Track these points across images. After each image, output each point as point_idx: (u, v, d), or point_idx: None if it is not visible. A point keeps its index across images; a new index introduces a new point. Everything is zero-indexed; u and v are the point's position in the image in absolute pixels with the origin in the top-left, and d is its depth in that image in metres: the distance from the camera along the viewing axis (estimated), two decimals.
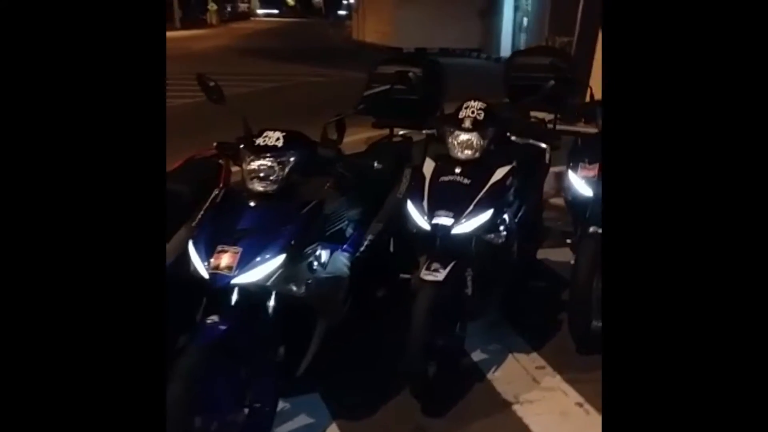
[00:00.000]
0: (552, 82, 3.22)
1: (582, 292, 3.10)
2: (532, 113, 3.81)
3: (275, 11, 53.43)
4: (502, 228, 2.97)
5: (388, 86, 3.02)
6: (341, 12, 40.45)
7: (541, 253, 4.16)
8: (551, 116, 3.89)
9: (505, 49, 18.85)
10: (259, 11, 52.42)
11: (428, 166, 2.92)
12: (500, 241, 2.91)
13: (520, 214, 3.39)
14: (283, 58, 18.57)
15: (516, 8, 19.74)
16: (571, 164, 3.36)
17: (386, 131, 3.70)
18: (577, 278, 3.10)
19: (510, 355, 3.27)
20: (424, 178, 2.88)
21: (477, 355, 3.26)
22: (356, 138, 3.70)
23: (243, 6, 49.11)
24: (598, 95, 4.29)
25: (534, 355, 3.28)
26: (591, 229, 3.19)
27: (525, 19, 19.18)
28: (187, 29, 29.74)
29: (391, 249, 3.26)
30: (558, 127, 3.94)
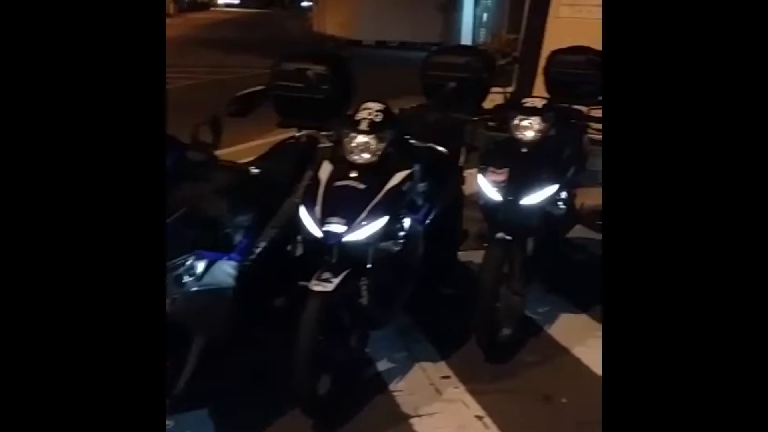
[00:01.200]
0: (452, 84, 3.11)
1: (487, 299, 3.00)
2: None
3: (236, 1, 52.44)
4: (401, 234, 2.84)
5: (262, 87, 2.88)
6: (305, 3, 39.99)
7: (468, 256, 4.06)
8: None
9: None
10: (220, 1, 51.42)
11: (324, 170, 2.79)
12: (398, 248, 2.78)
13: (430, 218, 3.27)
14: (237, 50, 18.18)
15: (476, 3, 19.71)
16: (481, 167, 3.26)
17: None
18: (481, 285, 3.00)
19: (417, 365, 3.15)
20: (318, 182, 2.74)
21: (382, 365, 3.14)
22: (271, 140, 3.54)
23: None
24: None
25: (441, 363, 3.17)
26: (498, 235, 3.09)
27: (485, 15, 19.17)
28: None
29: (297, 254, 3.12)
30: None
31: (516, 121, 3.28)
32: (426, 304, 3.55)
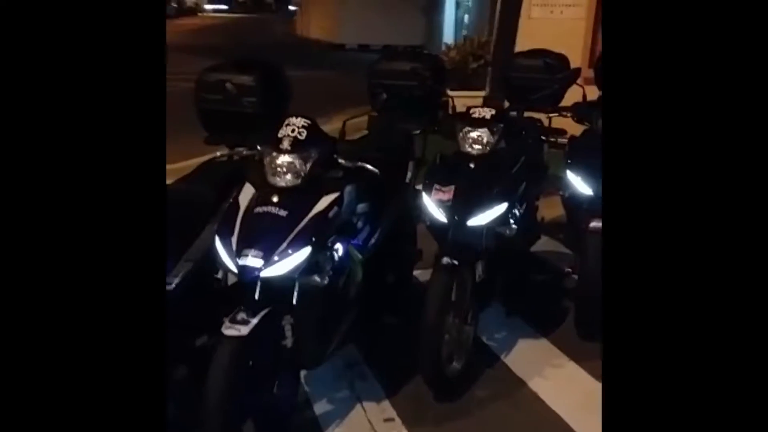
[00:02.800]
0: (384, 95, 2.83)
1: (431, 332, 2.72)
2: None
3: (224, 7, 52.01)
4: (333, 264, 2.55)
5: None
6: (292, 8, 39.64)
7: (426, 275, 3.79)
8: None
9: None
10: (207, 6, 50.96)
11: (245, 194, 2.50)
12: (327, 281, 2.49)
13: (374, 241, 3.00)
14: (219, 55, 17.83)
15: (457, 5, 19.49)
16: (426, 184, 2.98)
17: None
18: (424, 317, 2.72)
19: (358, 405, 2.87)
20: (237, 208, 2.46)
21: (321, 407, 2.86)
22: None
23: (191, 1, 47.80)
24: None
25: (385, 403, 2.89)
26: (443, 260, 2.82)
27: (466, 16, 18.94)
28: None
29: (228, 284, 2.84)
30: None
31: (462, 134, 3.01)
32: (373, 335, 3.27)
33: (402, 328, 3.19)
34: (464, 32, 18.85)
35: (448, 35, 19.69)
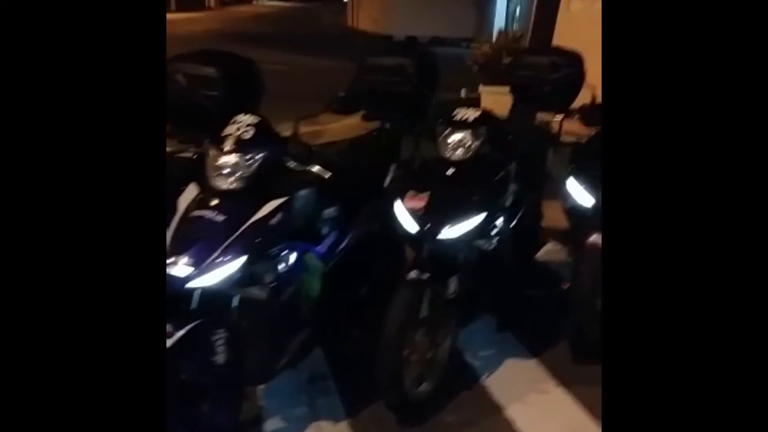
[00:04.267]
0: (341, 94, 2.59)
1: (389, 352, 2.49)
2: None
3: None
4: (271, 277, 2.33)
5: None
6: None
7: None
8: None
9: None
10: None
11: (186, 196, 2.31)
12: (264, 294, 2.28)
13: (342, 248, 2.78)
14: (262, 44, 17.84)
15: None
16: (399, 190, 2.74)
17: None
18: (383, 335, 2.49)
19: (314, 424, 2.66)
20: (175, 211, 2.27)
21: (273, 424, 2.67)
22: None
23: None
24: None
25: (344, 425, 2.67)
26: (411, 275, 2.57)
27: (518, 9, 18.44)
28: (183, 11, 28.96)
29: None
30: None
31: (442, 137, 2.75)
32: (344, 348, 3.06)
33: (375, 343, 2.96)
34: (516, 25, 18.41)
35: (499, 28, 19.25)
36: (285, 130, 2.51)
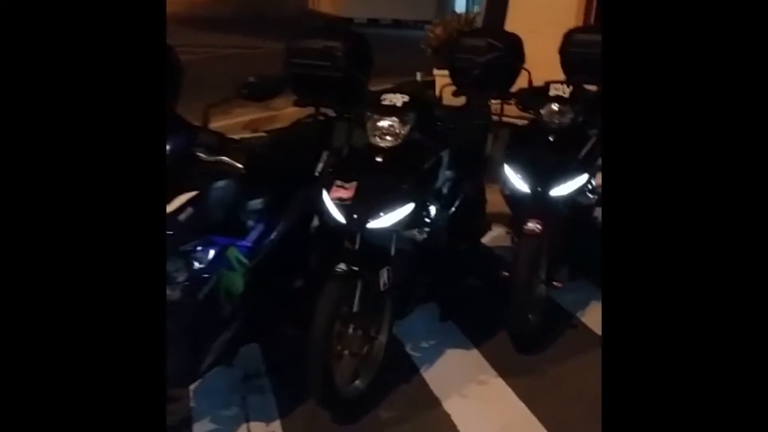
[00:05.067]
0: (250, 78, 2.47)
1: (316, 348, 2.40)
2: None
3: None
4: (183, 276, 2.20)
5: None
6: None
7: None
8: None
9: None
10: None
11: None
12: (176, 294, 2.15)
13: (266, 242, 2.66)
14: (224, 27, 17.47)
15: None
16: (326, 180, 2.64)
17: None
18: (311, 331, 2.40)
19: (244, 426, 2.57)
20: None
21: (202, 426, 2.57)
22: None
23: None
24: None
25: (276, 424, 2.59)
26: (338, 268, 2.48)
27: None
28: None
29: None
30: None
31: (370, 123, 2.65)
32: (273, 346, 2.96)
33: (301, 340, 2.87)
34: (476, 8, 18.31)
35: (460, 10, 19.14)
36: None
